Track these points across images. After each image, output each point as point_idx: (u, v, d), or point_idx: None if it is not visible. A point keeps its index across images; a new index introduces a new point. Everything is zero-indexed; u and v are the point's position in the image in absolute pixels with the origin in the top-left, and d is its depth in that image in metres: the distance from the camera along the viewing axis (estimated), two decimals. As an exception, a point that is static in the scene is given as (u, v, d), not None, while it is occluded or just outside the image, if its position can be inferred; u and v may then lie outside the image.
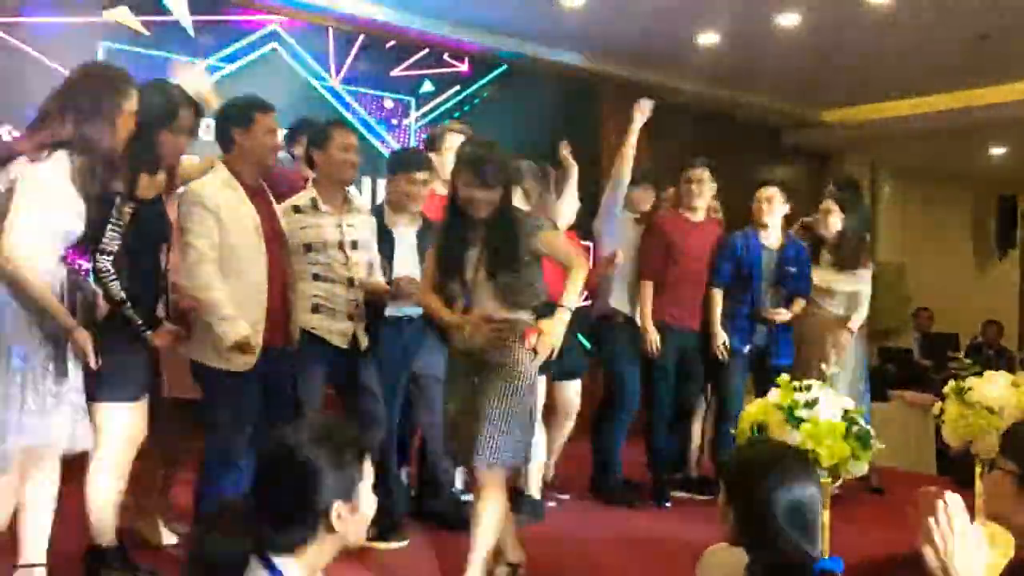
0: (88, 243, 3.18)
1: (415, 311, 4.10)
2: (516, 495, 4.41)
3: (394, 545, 4.03)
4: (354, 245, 3.89)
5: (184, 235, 3.40)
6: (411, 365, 4.23)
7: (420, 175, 4.21)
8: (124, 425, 3.31)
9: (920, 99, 8.65)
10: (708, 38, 7.14)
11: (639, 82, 7.95)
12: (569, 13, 6.64)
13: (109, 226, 3.20)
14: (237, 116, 3.54)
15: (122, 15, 5.81)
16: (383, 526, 3.95)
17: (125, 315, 3.24)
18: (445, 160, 4.39)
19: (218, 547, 1.70)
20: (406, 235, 4.27)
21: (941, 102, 8.55)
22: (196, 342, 3.46)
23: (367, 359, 3.93)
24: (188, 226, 3.39)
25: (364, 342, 3.91)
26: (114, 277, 3.22)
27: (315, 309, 3.78)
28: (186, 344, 3.50)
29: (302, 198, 3.89)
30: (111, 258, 3.22)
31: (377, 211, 4.32)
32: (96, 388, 3.18)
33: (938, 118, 8.65)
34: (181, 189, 3.63)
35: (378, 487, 1.86)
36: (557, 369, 4.63)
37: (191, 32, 6.09)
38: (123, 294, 3.23)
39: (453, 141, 4.41)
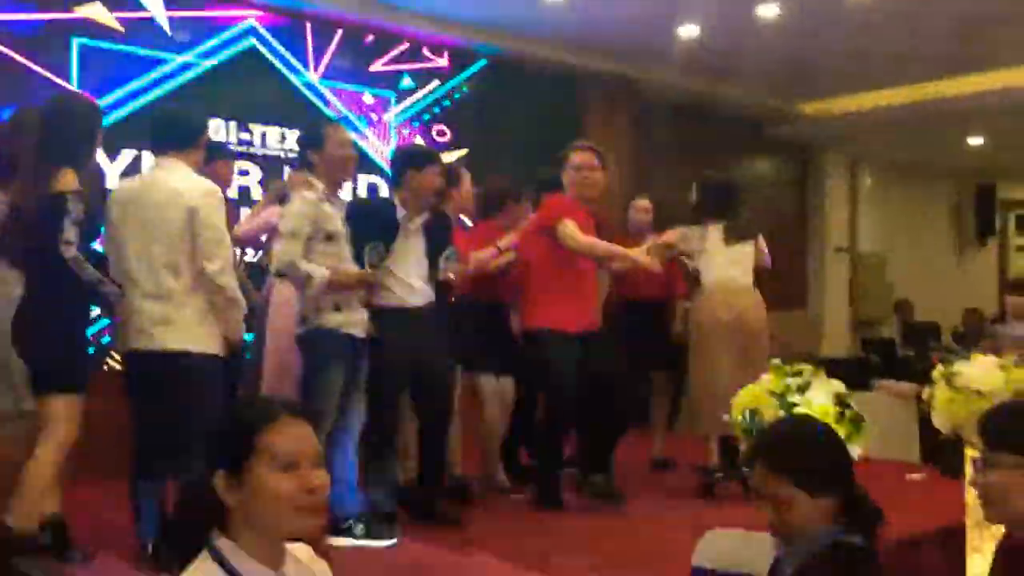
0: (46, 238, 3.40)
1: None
2: None
3: (384, 543, 3.96)
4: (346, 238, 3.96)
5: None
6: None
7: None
8: (78, 413, 3.52)
9: (898, 90, 8.65)
10: (689, 30, 7.12)
11: (620, 76, 7.94)
12: (549, 7, 6.61)
13: (68, 221, 3.39)
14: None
15: (95, 11, 5.73)
16: (372, 522, 3.93)
17: (103, 292, 3.50)
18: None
19: None
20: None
21: (919, 93, 8.56)
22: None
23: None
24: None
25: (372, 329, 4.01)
26: (86, 263, 3.44)
27: (337, 307, 3.84)
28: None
29: (316, 189, 3.87)
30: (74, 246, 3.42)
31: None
32: (57, 378, 3.49)
33: (916, 109, 8.65)
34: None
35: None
36: None
37: (167, 28, 6.01)
38: (98, 274, 3.47)
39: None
